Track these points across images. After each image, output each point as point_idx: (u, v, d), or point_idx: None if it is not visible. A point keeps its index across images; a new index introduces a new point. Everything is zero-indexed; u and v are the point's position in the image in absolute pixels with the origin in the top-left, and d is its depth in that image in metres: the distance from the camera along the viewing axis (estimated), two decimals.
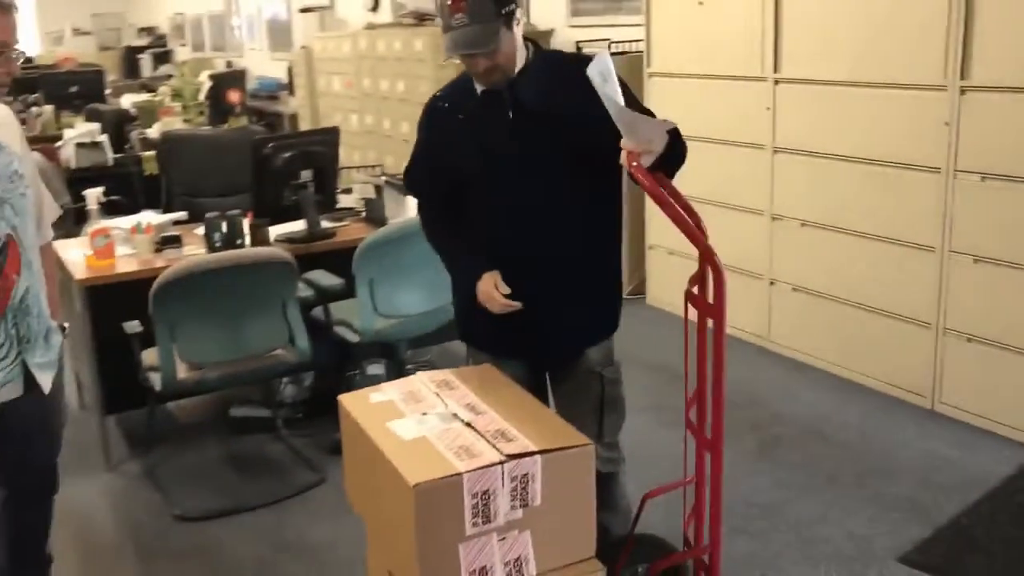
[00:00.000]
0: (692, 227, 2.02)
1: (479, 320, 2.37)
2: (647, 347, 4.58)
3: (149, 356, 3.26)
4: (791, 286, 4.45)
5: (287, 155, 3.75)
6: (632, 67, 5.18)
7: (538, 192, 2.29)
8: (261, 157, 3.70)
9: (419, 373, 2.24)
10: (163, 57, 13.75)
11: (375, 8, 9.05)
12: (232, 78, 6.07)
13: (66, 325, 2.48)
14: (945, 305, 3.75)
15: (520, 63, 2.27)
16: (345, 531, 3.04)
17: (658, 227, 5.18)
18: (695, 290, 2.15)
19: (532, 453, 1.86)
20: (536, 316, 2.32)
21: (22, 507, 2.47)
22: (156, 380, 3.21)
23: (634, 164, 1.99)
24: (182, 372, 3.22)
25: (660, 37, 4.96)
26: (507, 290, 2.29)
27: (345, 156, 6.91)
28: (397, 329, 3.62)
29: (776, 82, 4.31)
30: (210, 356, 3.24)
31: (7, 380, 2.21)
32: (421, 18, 7.65)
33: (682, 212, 2.03)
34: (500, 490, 1.85)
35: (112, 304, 3.39)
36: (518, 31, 2.24)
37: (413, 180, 2.53)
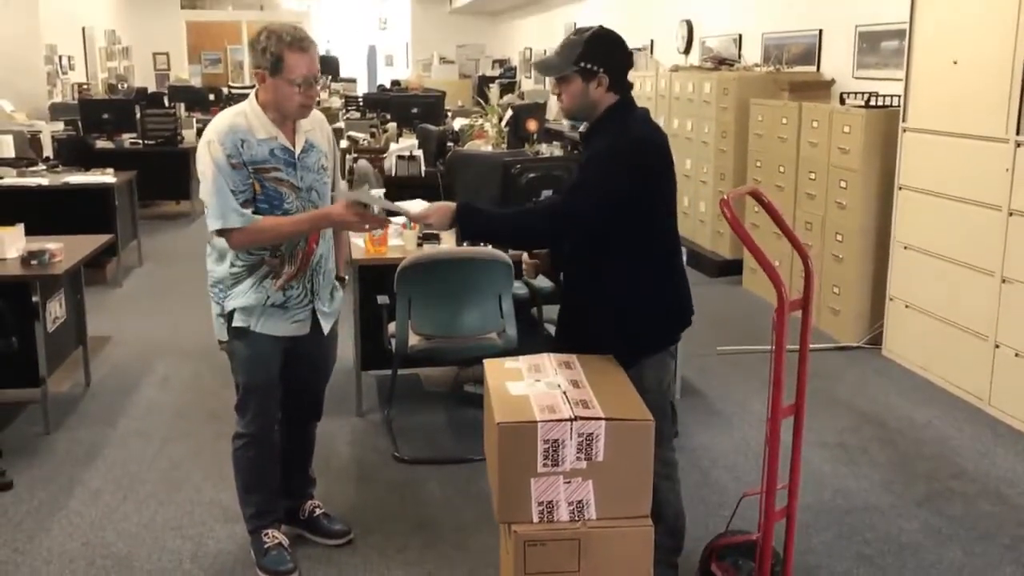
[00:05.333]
0: (767, 260, 2.38)
1: None
2: (861, 394, 4.74)
3: (392, 326, 4.06)
4: (1015, 351, 4.37)
5: (531, 176, 4.40)
6: (888, 121, 5.31)
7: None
8: (509, 176, 4.39)
9: (550, 354, 2.77)
10: (508, 87, 15.20)
11: (687, 51, 9.60)
12: (531, 108, 6.89)
13: (346, 277, 3.29)
14: None
15: (587, 117, 2.75)
16: None
17: (899, 279, 5.22)
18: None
19: (599, 418, 2.33)
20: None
21: (294, 427, 3.27)
22: (393, 345, 3.99)
23: (723, 199, 2.40)
24: (413, 340, 3.97)
25: (917, 94, 5.04)
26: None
27: None
28: None
29: (1019, 144, 4.29)
30: (436, 330, 3.97)
31: (301, 319, 3.04)
32: (720, 62, 8.08)
33: (761, 250, 2.39)
34: (568, 442, 2.34)
35: (374, 281, 4.23)
36: (593, 90, 2.67)
37: None
